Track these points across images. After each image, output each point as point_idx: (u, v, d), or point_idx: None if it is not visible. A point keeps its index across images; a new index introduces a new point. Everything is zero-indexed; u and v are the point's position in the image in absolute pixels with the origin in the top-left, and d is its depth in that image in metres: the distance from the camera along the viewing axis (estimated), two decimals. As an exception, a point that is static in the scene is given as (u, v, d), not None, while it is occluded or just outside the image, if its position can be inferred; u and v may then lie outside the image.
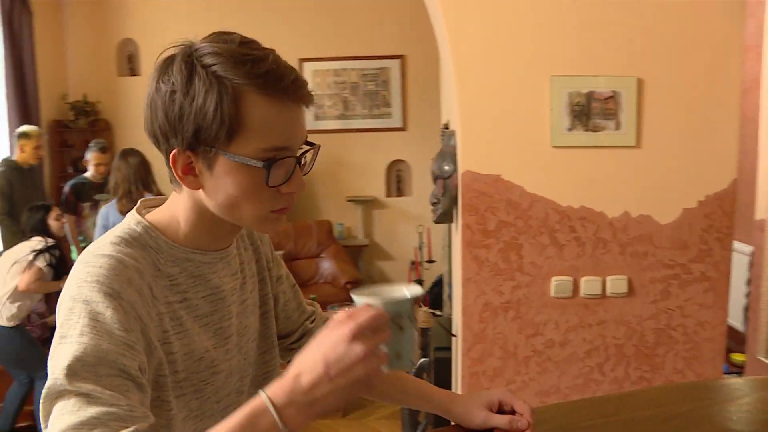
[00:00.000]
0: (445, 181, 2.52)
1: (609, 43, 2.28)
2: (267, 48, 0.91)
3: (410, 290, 0.89)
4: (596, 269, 2.39)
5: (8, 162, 4.44)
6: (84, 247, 4.88)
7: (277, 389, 0.76)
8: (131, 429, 0.75)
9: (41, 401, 0.79)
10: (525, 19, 2.28)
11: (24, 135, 4.43)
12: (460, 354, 2.49)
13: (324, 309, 3.87)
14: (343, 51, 6.04)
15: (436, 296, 5.01)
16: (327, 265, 5.77)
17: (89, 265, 0.86)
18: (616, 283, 2.39)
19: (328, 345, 0.75)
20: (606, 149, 2.34)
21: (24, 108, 5.09)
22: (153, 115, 0.90)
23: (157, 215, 0.98)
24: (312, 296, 4.32)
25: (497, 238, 2.40)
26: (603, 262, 2.39)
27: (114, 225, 2.25)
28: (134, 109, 6.27)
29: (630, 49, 2.29)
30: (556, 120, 2.31)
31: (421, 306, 0.86)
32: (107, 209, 3.82)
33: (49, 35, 5.89)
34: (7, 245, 4.19)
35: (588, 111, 2.31)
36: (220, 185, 0.90)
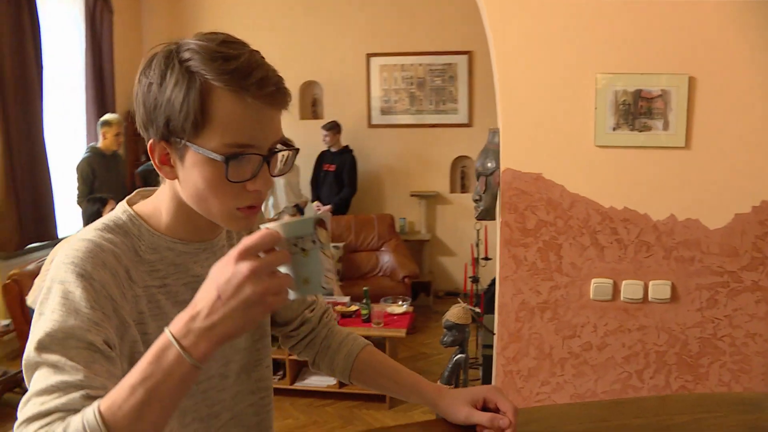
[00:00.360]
0: (487, 178, 2.51)
1: (659, 39, 2.20)
2: (249, 49, 0.93)
3: (310, 212, 0.89)
4: (638, 273, 2.32)
5: (92, 149, 4.74)
6: None
7: (177, 322, 0.79)
8: (83, 392, 0.81)
9: (24, 370, 0.87)
10: (570, 15, 2.23)
11: (106, 123, 4.73)
12: (495, 352, 2.48)
13: (377, 301, 3.90)
14: (411, 46, 6.06)
15: (493, 295, 4.97)
16: (387, 259, 5.83)
17: (70, 249, 0.92)
18: (659, 289, 2.31)
19: (218, 271, 0.78)
20: (652, 150, 2.26)
21: (101, 99, 5.40)
22: (137, 108, 0.94)
23: (144, 206, 1.03)
24: (365, 288, 4.38)
25: (536, 237, 2.37)
26: (645, 266, 2.32)
27: None
28: (208, 100, 6.53)
29: (682, 46, 2.20)
30: (600, 119, 2.26)
31: (326, 229, 0.84)
32: None
33: (129, 31, 6.22)
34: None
35: (634, 110, 2.24)
36: (189, 177, 0.93)
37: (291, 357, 4.12)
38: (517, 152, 2.35)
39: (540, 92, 2.30)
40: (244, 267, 0.76)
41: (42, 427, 0.78)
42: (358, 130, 6.38)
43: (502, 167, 2.36)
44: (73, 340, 0.85)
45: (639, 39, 2.21)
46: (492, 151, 2.51)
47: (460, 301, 2.68)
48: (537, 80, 2.29)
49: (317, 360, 1.29)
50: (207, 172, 0.91)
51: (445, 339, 2.67)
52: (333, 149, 6.01)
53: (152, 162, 0.95)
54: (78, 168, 4.56)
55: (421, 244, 6.35)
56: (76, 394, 0.81)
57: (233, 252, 0.78)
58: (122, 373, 0.89)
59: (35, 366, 0.85)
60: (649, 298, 2.33)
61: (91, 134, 5.39)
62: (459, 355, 2.67)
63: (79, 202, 4.59)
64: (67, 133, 5.27)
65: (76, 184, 4.58)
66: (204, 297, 0.79)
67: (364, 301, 4.20)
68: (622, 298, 2.34)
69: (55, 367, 0.83)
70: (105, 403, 0.78)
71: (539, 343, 2.42)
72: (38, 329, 0.86)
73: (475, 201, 2.59)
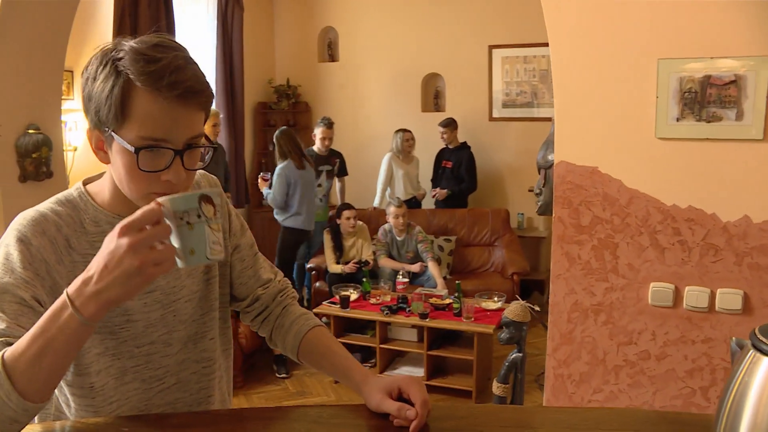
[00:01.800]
0: (546, 171, 2.40)
1: (731, 18, 1.97)
2: (178, 54, 1.00)
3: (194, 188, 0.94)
4: (704, 279, 2.10)
5: None
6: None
7: (74, 285, 0.89)
8: (2, 339, 0.94)
9: None
10: (629, -5, 2.07)
11: None
12: (547, 354, 2.37)
13: (492, 297, 3.78)
14: (534, 37, 5.86)
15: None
16: (499, 254, 5.70)
17: (21, 217, 1.07)
18: (729, 298, 2.08)
19: (107, 242, 0.88)
20: (723, 142, 2.04)
21: (230, 91, 5.80)
22: (81, 96, 1.05)
23: (94, 185, 1.15)
24: (457, 282, 4.34)
25: (591, 235, 2.22)
26: (712, 272, 2.09)
27: (294, 179, 5.00)
28: (332, 92, 6.77)
29: (759, 24, 1.95)
30: (662, 108, 2.07)
31: (213, 205, 0.86)
32: (284, 170, 4.94)
33: (260, 26, 6.61)
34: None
35: (702, 98, 2.03)
36: (114, 162, 1.04)
37: (381, 346, 4.19)
38: (572, 144, 2.22)
39: (597, 80, 2.15)
40: (124, 241, 0.86)
41: None
42: (478, 123, 6.29)
43: (556, 160, 2.24)
44: (7, 295, 0.99)
45: (708, 19, 1.99)
46: (552, 143, 2.39)
47: (518, 298, 2.57)
48: (594, 67, 2.15)
49: (273, 337, 1.33)
50: (125, 160, 1.01)
51: (502, 336, 2.59)
52: (450, 146, 5.98)
53: (90, 146, 1.06)
54: None
55: (538, 241, 6.14)
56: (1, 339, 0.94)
57: (117, 226, 0.87)
58: None
59: None
60: (717, 308, 2.10)
61: (221, 131, 5.80)
62: (516, 354, 2.57)
63: None
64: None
65: None
66: (95, 264, 0.88)
67: (456, 294, 4.16)
68: (684, 306, 2.13)
69: None
70: (9, 351, 0.90)
71: (592, 347, 2.27)
72: None
73: (536, 195, 2.49)
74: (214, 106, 5.57)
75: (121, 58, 0.98)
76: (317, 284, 5.36)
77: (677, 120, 2.06)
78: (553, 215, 2.27)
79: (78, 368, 1.10)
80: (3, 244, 1.03)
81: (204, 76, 1.03)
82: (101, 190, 1.13)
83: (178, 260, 0.91)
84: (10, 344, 0.93)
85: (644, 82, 2.08)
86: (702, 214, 2.08)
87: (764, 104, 1.97)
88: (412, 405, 1.05)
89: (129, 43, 1.01)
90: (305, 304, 5.48)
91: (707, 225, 2.08)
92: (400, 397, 1.09)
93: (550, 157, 2.34)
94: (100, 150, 1.05)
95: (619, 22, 2.09)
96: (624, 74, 2.11)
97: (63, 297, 0.89)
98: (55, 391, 1.13)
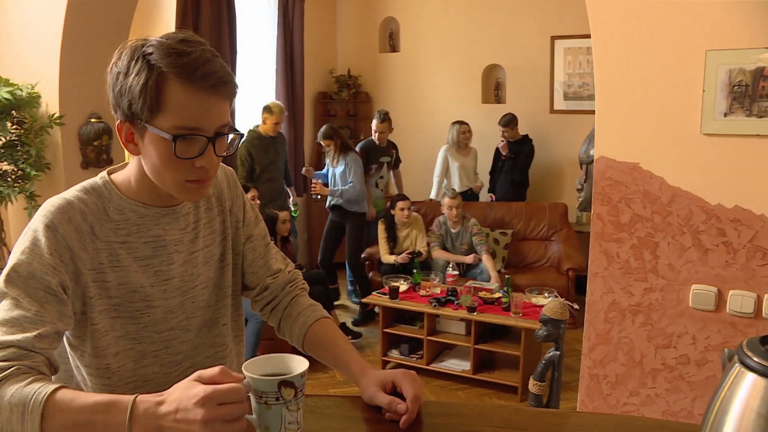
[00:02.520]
0: (587, 167, 2.33)
1: (786, 9, 1.86)
2: (204, 47, 1.05)
3: (280, 373, 0.97)
4: (750, 283, 2.00)
5: (252, 132, 5.10)
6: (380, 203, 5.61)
7: (144, 399, 0.91)
8: (36, 333, 1.00)
9: None
10: (676, -16, 1.98)
11: (268, 109, 5.03)
12: (582, 353, 2.31)
13: (542, 292, 3.72)
14: (598, 26, 5.67)
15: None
16: (555, 249, 5.57)
17: (48, 204, 1.12)
18: (776, 304, 1.97)
19: (187, 394, 0.89)
20: (774, 139, 1.93)
21: (291, 81, 5.88)
22: (109, 94, 1.11)
23: (118, 175, 1.19)
24: (507, 276, 4.28)
25: (630, 233, 2.15)
26: (759, 276, 1.99)
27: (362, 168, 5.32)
28: (392, 82, 6.76)
29: (817, 16, 1.83)
30: (708, 103, 1.98)
31: (296, 394, 0.90)
32: (356, 161, 5.22)
33: (322, 17, 6.66)
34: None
35: (753, 92, 1.93)
36: (148, 153, 1.09)
37: (429, 338, 4.19)
38: (613, 139, 2.15)
39: (640, 73, 2.07)
40: (200, 413, 0.87)
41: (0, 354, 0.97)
42: (539, 116, 6.15)
43: (596, 155, 2.18)
44: (34, 281, 1.05)
45: (760, 7, 1.88)
46: (594, 137, 2.32)
47: (548, 293, 2.52)
48: (637, 59, 2.07)
49: (281, 326, 1.35)
50: (160, 149, 1.06)
51: (539, 333, 2.55)
52: (512, 140, 5.87)
53: (119, 140, 1.10)
54: (237, 153, 4.98)
55: (598, 238, 5.96)
56: (30, 334, 1.00)
57: (200, 392, 0.89)
58: (72, 312, 1.08)
59: (2, 295, 1.05)
60: (764, 314, 1.99)
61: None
62: (553, 352, 2.52)
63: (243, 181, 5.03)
64: (257, 115, 5.84)
65: (238, 168, 4.99)
66: (169, 402, 0.90)
67: (505, 289, 4.10)
68: (728, 310, 2.04)
69: (16, 301, 1.03)
70: (57, 397, 0.93)
71: (629, 348, 2.20)
72: (10, 263, 1.06)
73: (577, 191, 2.42)
74: (275, 99, 5.68)
75: (151, 53, 1.03)
76: (370, 274, 5.40)
77: (725, 115, 1.96)
78: (592, 212, 2.21)
79: (95, 350, 1.15)
80: (31, 229, 1.09)
81: (229, 68, 1.08)
82: (126, 179, 1.17)
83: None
84: (43, 337, 1.00)
85: (690, 74, 1.99)
86: (749, 214, 1.98)
87: (820, 99, 1.85)
88: (405, 399, 1.06)
89: (155, 39, 1.05)
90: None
91: (755, 226, 1.97)
92: (395, 392, 1.09)
93: (591, 152, 2.27)
94: (130, 142, 1.10)
95: (663, 12, 2.00)
96: (668, 67, 2.02)
97: (129, 399, 0.92)
98: (74, 371, 1.20)
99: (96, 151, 3.53)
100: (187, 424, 0.87)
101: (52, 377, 1.04)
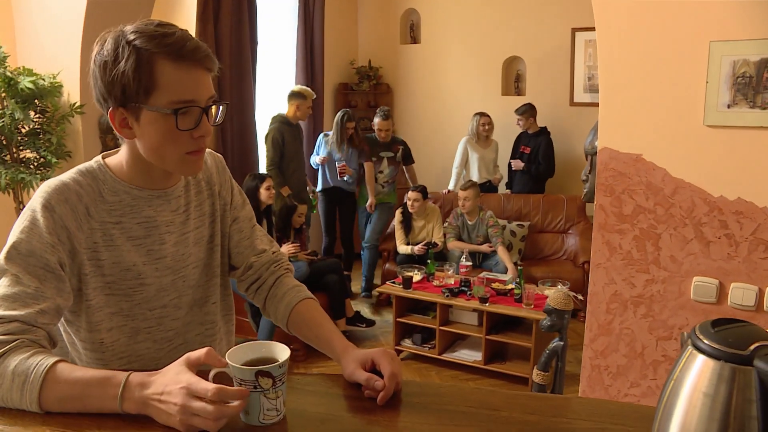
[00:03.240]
0: (592, 158, 2.33)
1: (792, 0, 1.84)
2: (179, 28, 1.12)
3: (263, 359, 1.02)
4: (752, 276, 1.99)
5: (281, 118, 5.09)
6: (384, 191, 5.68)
7: (137, 376, 0.98)
8: (38, 308, 1.07)
9: None
10: (680, -25, 1.97)
11: (300, 95, 5.05)
12: (584, 344, 2.32)
13: (555, 285, 3.70)
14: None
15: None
16: (572, 242, 5.55)
17: (46, 185, 1.17)
18: (778, 297, 1.96)
19: (175, 379, 0.96)
20: (778, 132, 1.91)
21: (311, 72, 5.92)
22: (95, 84, 1.15)
23: (112, 159, 1.24)
24: (520, 268, 4.28)
25: (633, 224, 2.15)
26: (762, 269, 1.98)
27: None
28: (414, 74, 6.77)
29: (823, 6, 1.81)
30: (712, 94, 1.97)
31: (275, 383, 0.94)
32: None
33: (343, 7, 6.68)
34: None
35: (757, 83, 1.91)
36: (145, 133, 1.13)
37: (442, 328, 4.21)
38: (616, 130, 2.15)
39: (643, 64, 2.07)
40: (179, 399, 0.94)
41: (2, 329, 1.03)
42: (559, 108, 6.11)
43: (600, 146, 2.18)
44: (33, 258, 1.10)
45: (765, -1, 1.87)
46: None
47: (562, 284, 2.52)
48: (640, 51, 2.06)
49: (266, 306, 1.39)
50: (160, 126, 1.11)
51: (543, 323, 2.55)
52: (530, 131, 5.85)
53: (113, 127, 1.15)
54: (269, 136, 5.02)
55: (616, 231, 5.92)
56: (32, 310, 1.07)
57: (185, 383, 0.94)
58: (70, 288, 1.14)
59: (2, 272, 1.11)
60: (765, 307, 1.98)
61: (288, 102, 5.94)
62: (557, 342, 2.53)
63: (269, 169, 5.04)
64: (276, 106, 5.89)
65: (267, 152, 5.03)
66: (159, 383, 0.96)
67: (518, 280, 4.11)
68: (729, 303, 2.03)
69: (17, 278, 1.09)
70: (57, 369, 1.00)
71: (630, 340, 2.21)
72: (10, 242, 1.12)
73: (583, 182, 2.42)
74: (295, 85, 5.71)
75: (135, 39, 1.08)
76: (386, 265, 5.43)
77: (728, 107, 1.95)
78: (595, 203, 2.21)
79: (89, 325, 1.21)
80: (29, 209, 1.14)
81: None
82: (119, 163, 1.22)
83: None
84: (44, 312, 1.07)
85: (694, 66, 1.98)
86: (752, 207, 1.97)
87: (826, 91, 1.84)
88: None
89: (132, 27, 1.10)
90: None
91: (758, 219, 1.96)
92: (374, 370, 1.12)
93: (596, 144, 2.27)
94: (125, 127, 1.14)
95: (667, 3, 1.99)
96: (672, 58, 2.01)
97: (123, 376, 0.98)
98: (69, 347, 1.25)
99: (115, 140, 3.57)
100: (167, 406, 0.94)
101: (52, 351, 1.10)
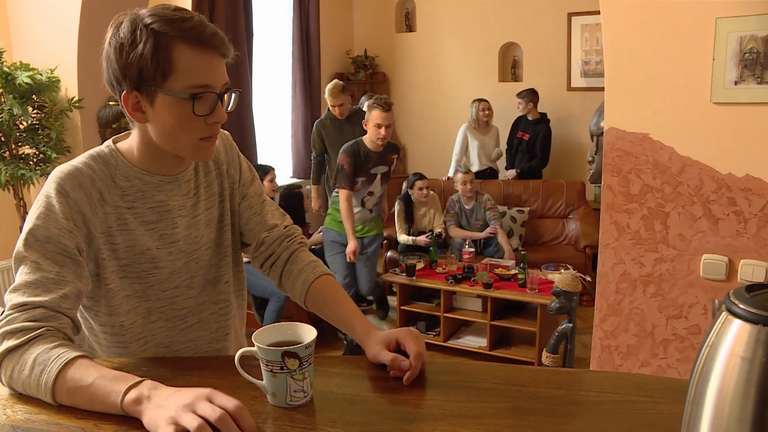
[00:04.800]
0: (598, 138, 2.33)
1: (798, -26, 1.84)
2: (196, 14, 1.12)
3: (290, 341, 1.01)
4: (761, 253, 2.00)
5: (327, 113, 4.97)
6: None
7: (147, 384, 0.93)
8: (60, 293, 1.06)
9: (13, 262, 1.12)
10: (686, -48, 1.96)
11: (327, 94, 4.86)
12: (594, 324, 2.33)
13: (558, 269, 3.69)
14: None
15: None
16: (573, 227, 5.56)
17: (59, 171, 1.17)
18: (788, 272, 1.97)
19: (198, 389, 0.90)
20: (786, 107, 1.92)
21: (307, 62, 5.89)
22: (108, 66, 1.14)
23: (123, 143, 1.24)
24: (522, 253, 4.28)
25: (641, 204, 2.16)
26: (771, 245, 1.99)
27: None
28: (410, 63, 6.76)
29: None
30: (719, 71, 1.97)
31: (301, 364, 0.92)
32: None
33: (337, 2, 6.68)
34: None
35: (765, 59, 1.91)
36: (159, 117, 1.13)
37: (446, 315, 4.22)
38: (623, 109, 2.15)
39: (649, 42, 2.06)
40: (190, 398, 0.88)
41: (29, 315, 1.03)
42: (556, 93, 6.11)
43: (606, 126, 2.18)
44: (51, 244, 1.10)
45: (771, -26, 1.87)
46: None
47: (569, 267, 2.53)
48: (646, 28, 2.06)
49: (282, 282, 1.39)
50: (176, 111, 1.11)
51: (552, 305, 2.56)
52: (529, 117, 5.84)
53: (125, 110, 1.14)
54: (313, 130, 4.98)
55: (616, 215, 5.93)
56: (55, 295, 1.07)
57: (211, 390, 0.89)
58: (88, 272, 1.14)
59: (21, 259, 1.11)
60: (775, 282, 1.99)
61: (297, 100, 5.92)
62: (566, 324, 2.54)
63: (314, 160, 5.07)
64: (274, 97, 5.88)
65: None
66: (179, 389, 0.91)
67: (521, 265, 4.11)
68: (739, 280, 2.04)
69: (37, 264, 1.09)
70: (74, 363, 0.98)
71: (640, 319, 2.22)
72: (27, 229, 1.11)
73: (589, 163, 2.42)
74: (291, 81, 5.66)
75: (152, 23, 1.07)
76: (388, 253, 5.43)
77: (735, 83, 1.96)
78: (602, 183, 2.21)
79: (109, 309, 1.21)
80: (44, 195, 1.14)
81: None
82: (130, 148, 1.22)
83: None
84: (67, 297, 1.07)
85: (700, 43, 1.98)
86: (760, 183, 1.97)
87: (833, 65, 1.84)
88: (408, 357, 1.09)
89: (149, 11, 1.10)
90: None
91: (766, 195, 1.97)
92: (399, 350, 1.12)
93: (602, 125, 2.27)
94: (137, 111, 1.14)
95: (673, -20, 1.99)
96: (678, 35, 2.01)
97: (133, 380, 0.93)
98: (86, 332, 1.25)
99: (114, 134, 3.50)
100: (170, 403, 0.88)
101: (74, 338, 1.10)
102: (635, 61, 2.08)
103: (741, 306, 0.75)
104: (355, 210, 4.00)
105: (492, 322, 4.08)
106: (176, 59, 1.07)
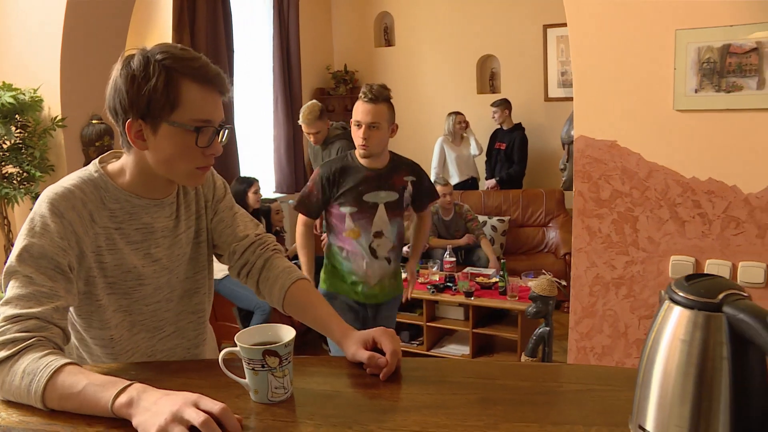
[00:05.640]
0: (569, 146, 2.41)
1: (750, -13, 1.94)
2: (200, 54, 1.22)
3: (269, 341, 1.07)
4: (725, 252, 2.09)
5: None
6: None
7: (136, 388, 0.97)
8: (53, 305, 1.11)
9: (2, 278, 1.17)
10: (645, -33, 2.06)
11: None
12: (569, 327, 2.40)
13: (537, 276, 3.76)
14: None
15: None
16: (553, 235, 5.66)
17: (51, 192, 1.22)
18: (751, 272, 2.05)
19: (186, 394, 0.95)
20: (744, 112, 2.01)
21: (288, 78, 5.97)
22: (116, 95, 1.21)
23: (112, 167, 1.30)
24: (502, 261, 4.36)
25: (611, 209, 2.24)
26: (734, 245, 2.07)
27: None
28: (389, 76, 6.84)
29: (779, -8, 1.91)
30: (680, 80, 2.06)
31: (281, 362, 0.97)
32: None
33: (317, 13, 6.75)
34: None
35: (721, 68, 2.01)
36: (160, 146, 1.20)
37: (429, 324, 4.28)
38: (591, 118, 2.23)
39: (614, 53, 2.15)
40: (178, 403, 0.92)
41: (21, 326, 1.07)
42: (534, 103, 6.24)
43: (576, 134, 2.26)
44: (44, 260, 1.15)
45: (725, -12, 1.97)
46: (575, 118, 2.40)
47: (545, 272, 2.61)
48: (611, 40, 2.15)
49: (260, 288, 1.45)
50: (178, 141, 1.19)
51: (529, 310, 2.63)
52: (504, 127, 5.96)
53: (127, 137, 1.20)
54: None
55: (595, 223, 6.04)
56: (48, 307, 1.11)
57: (198, 396, 0.94)
58: (77, 290, 1.20)
59: (13, 273, 1.15)
60: (738, 281, 2.08)
61: (278, 115, 5.99)
62: (543, 329, 2.61)
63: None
64: (256, 113, 5.93)
65: None
66: (168, 393, 0.96)
67: (502, 273, 4.19)
68: (705, 279, 2.12)
69: (29, 278, 1.13)
70: (63, 370, 1.02)
71: (614, 320, 2.29)
72: (20, 245, 1.16)
73: (560, 170, 2.51)
74: (272, 97, 5.73)
75: (163, 59, 1.16)
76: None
77: (695, 91, 2.05)
78: (574, 189, 2.29)
79: (101, 323, 1.26)
80: (38, 214, 1.19)
81: None
82: (120, 171, 1.27)
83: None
84: (60, 310, 1.12)
85: (661, 54, 2.07)
86: (722, 186, 2.06)
87: (786, 72, 1.93)
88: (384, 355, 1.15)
89: (158, 48, 1.19)
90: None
91: (728, 197, 2.06)
92: (375, 348, 1.18)
93: (572, 133, 2.35)
94: (139, 139, 1.20)
95: (635, -6, 2.08)
96: (641, 46, 2.10)
97: (123, 384, 0.98)
98: (75, 342, 1.30)
99: (98, 152, 3.62)
100: (159, 408, 0.92)
101: (64, 347, 1.15)
102: (601, 71, 2.17)
103: (680, 294, 0.82)
104: (363, 262, 2.68)
105: (474, 330, 4.14)
106: (184, 94, 1.16)
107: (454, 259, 4.73)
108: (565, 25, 5.87)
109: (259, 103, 5.97)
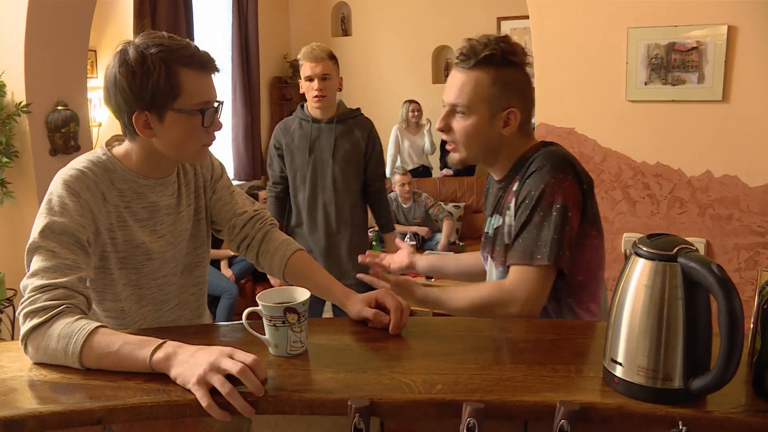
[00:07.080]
0: (530, 133, 2.60)
1: (693, -10, 2.15)
2: (186, 40, 1.31)
3: (287, 301, 1.18)
4: (671, 229, 2.31)
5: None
6: None
7: (171, 344, 1.07)
8: (78, 276, 1.21)
9: (26, 254, 1.26)
10: (600, -31, 2.25)
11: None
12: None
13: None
14: (540, 8, 5.98)
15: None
16: (506, 221, 5.90)
17: (66, 173, 1.32)
18: (693, 245, 2.28)
19: (221, 348, 1.04)
20: (686, 104, 2.23)
21: (246, 66, 6.02)
22: (117, 92, 1.28)
23: (117, 150, 1.40)
24: (461, 244, 4.56)
25: (569, 191, 2.43)
26: (678, 223, 2.30)
27: None
28: (346, 66, 6.80)
29: (719, -5, 2.13)
30: (632, 73, 2.27)
31: (299, 318, 1.10)
32: None
33: (275, 3, 6.82)
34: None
35: (667, 63, 2.22)
36: (168, 132, 1.30)
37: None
38: (551, 106, 2.42)
39: (573, 47, 2.34)
40: (214, 356, 1.02)
41: (50, 295, 1.16)
42: (487, 94, 6.45)
43: (537, 122, 2.45)
44: (65, 236, 1.24)
45: (672, -10, 2.18)
46: (535, 107, 2.59)
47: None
48: (570, 35, 2.34)
49: (260, 260, 1.56)
50: (186, 125, 1.29)
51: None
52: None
53: (134, 128, 1.29)
54: None
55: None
56: (73, 277, 1.20)
57: (231, 349, 1.03)
58: (94, 264, 1.29)
59: (36, 249, 1.23)
60: (682, 255, 2.30)
61: (236, 104, 6.04)
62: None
63: None
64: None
65: None
66: (202, 347, 1.05)
67: (461, 256, 4.38)
68: (653, 254, 2.34)
69: (53, 252, 1.22)
70: (98, 332, 1.11)
71: (571, 293, 2.49)
72: (41, 223, 1.24)
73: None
74: (230, 84, 5.79)
75: (159, 52, 1.24)
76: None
77: (645, 84, 2.26)
78: (535, 173, 2.48)
79: (113, 296, 1.37)
80: (55, 194, 1.27)
81: None
82: (127, 155, 1.38)
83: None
84: (84, 280, 1.21)
85: (615, 49, 2.27)
86: (669, 169, 2.28)
87: (723, 68, 2.16)
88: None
89: (149, 40, 1.26)
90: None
91: (673, 179, 2.28)
92: (378, 308, 1.32)
93: (533, 120, 2.54)
94: (147, 128, 1.30)
95: (592, -7, 2.28)
96: (597, 41, 2.30)
97: (157, 343, 1.07)
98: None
99: (64, 138, 3.63)
100: (197, 359, 1.02)
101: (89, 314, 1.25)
102: (561, 63, 2.36)
103: (644, 248, 1.00)
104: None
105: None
106: (183, 82, 1.25)
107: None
108: (518, 17, 6.11)
109: (218, 91, 6.00)
